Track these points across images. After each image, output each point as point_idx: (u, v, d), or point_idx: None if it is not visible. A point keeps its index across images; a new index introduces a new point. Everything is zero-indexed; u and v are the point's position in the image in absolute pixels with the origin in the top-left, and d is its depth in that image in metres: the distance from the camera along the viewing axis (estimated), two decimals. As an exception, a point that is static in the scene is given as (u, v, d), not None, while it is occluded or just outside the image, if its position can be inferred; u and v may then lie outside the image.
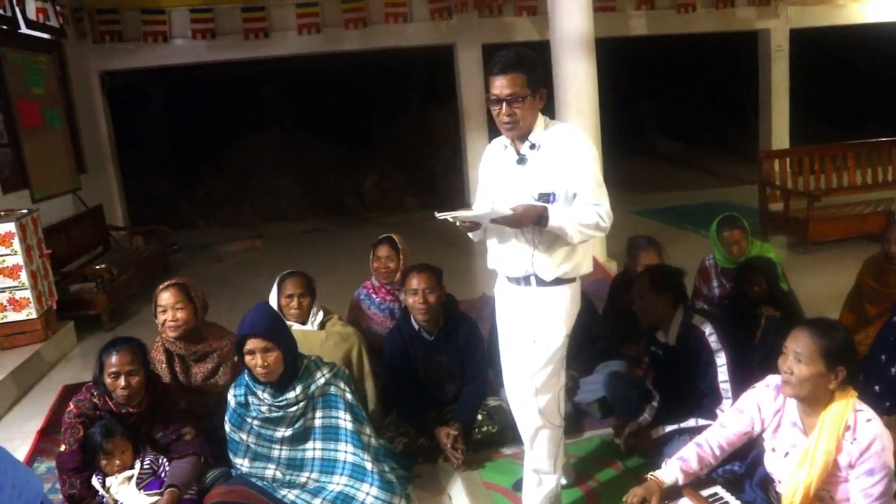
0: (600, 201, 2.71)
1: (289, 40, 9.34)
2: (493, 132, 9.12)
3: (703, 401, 3.10)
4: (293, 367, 3.06)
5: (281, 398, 3.04)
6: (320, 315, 3.84)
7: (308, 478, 3.12)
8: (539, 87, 2.72)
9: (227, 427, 3.14)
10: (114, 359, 3.04)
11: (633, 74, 13.25)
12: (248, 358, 2.99)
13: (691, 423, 3.17)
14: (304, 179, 12.68)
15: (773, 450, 2.58)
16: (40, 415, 4.67)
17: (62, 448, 3.15)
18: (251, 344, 2.95)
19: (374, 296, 4.24)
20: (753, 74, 11.48)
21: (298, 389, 3.05)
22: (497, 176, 2.92)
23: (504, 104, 2.69)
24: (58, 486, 3.20)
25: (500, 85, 2.68)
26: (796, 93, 11.20)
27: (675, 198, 10.76)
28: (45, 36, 7.66)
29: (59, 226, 6.97)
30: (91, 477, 3.09)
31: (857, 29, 11.19)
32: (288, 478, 3.11)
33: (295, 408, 3.05)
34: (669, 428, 3.19)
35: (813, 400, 2.41)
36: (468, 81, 10.16)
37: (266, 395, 3.04)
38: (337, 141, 13.54)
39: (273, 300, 3.81)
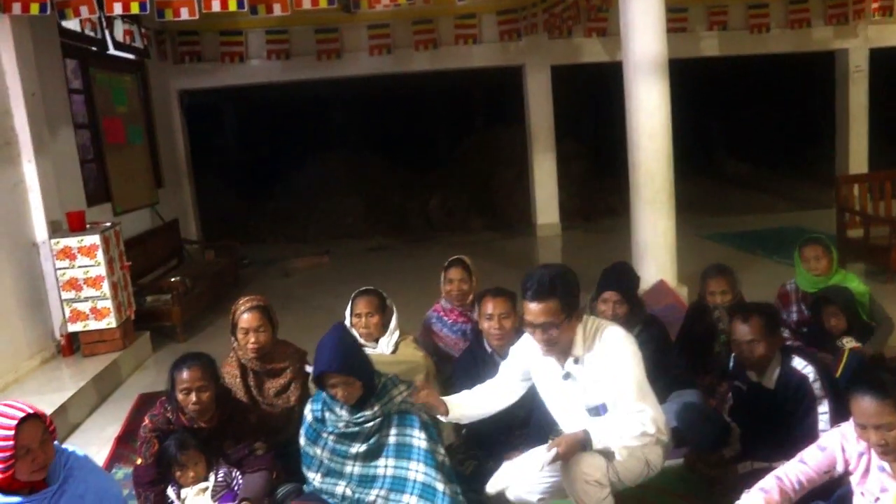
0: (643, 407, 2.70)
1: (360, 61, 9.53)
2: (561, 153, 9.04)
3: (798, 445, 2.94)
4: (371, 385, 3.09)
5: (358, 415, 3.06)
6: (395, 335, 3.87)
7: (377, 495, 3.12)
8: (574, 309, 2.74)
9: (302, 441, 3.17)
10: (184, 374, 3.10)
11: (704, 95, 13.01)
12: (329, 389, 3.02)
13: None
14: (369, 198, 12.84)
15: (863, 494, 2.47)
16: (117, 422, 4.82)
17: (138, 462, 3.24)
18: (332, 380, 2.98)
19: (445, 318, 4.25)
20: (829, 96, 11.14)
21: (376, 407, 3.07)
22: (543, 385, 2.99)
23: (539, 329, 2.72)
24: (134, 492, 3.28)
25: (535, 312, 2.71)
26: (876, 115, 10.81)
27: (746, 222, 10.48)
28: (130, 56, 7.99)
29: (136, 239, 7.23)
30: (165, 490, 3.17)
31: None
32: (357, 496, 3.12)
33: (371, 424, 3.07)
34: (758, 465, 3.07)
35: None
36: (536, 102, 10.18)
37: (343, 412, 3.07)
38: (403, 160, 13.69)
39: (348, 317, 3.87)
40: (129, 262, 6.06)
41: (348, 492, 3.13)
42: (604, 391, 2.77)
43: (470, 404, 3.10)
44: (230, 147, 14.77)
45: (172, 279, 6.92)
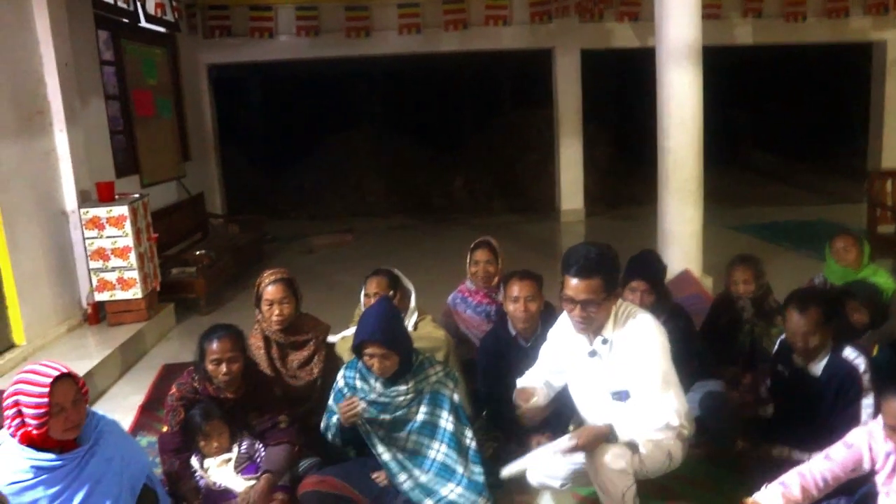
0: (667, 397, 2.71)
1: (389, 39, 9.49)
2: (587, 139, 8.95)
3: (836, 435, 2.90)
4: (408, 362, 3.10)
5: (392, 389, 3.08)
6: (415, 315, 3.89)
7: (395, 458, 3.14)
8: (614, 289, 2.75)
9: (332, 404, 3.19)
10: (215, 345, 3.14)
11: (734, 84, 12.83)
12: (366, 358, 3.04)
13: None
14: (393, 177, 12.85)
15: (888, 494, 2.45)
16: (141, 391, 4.90)
17: (164, 429, 3.29)
18: (371, 349, 2.99)
19: (469, 299, 4.25)
20: (864, 88, 10.93)
21: (410, 384, 3.09)
22: (568, 364, 2.97)
23: (579, 306, 2.71)
24: (158, 461, 3.34)
25: (577, 288, 2.70)
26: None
27: (775, 214, 10.35)
28: (161, 29, 8.03)
29: (163, 211, 7.30)
30: (190, 458, 3.22)
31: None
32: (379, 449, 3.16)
33: (402, 399, 3.09)
34: (798, 455, 3.04)
35: None
36: (565, 86, 10.10)
37: (378, 385, 3.10)
38: (428, 140, 13.66)
39: (362, 297, 3.90)
40: (155, 234, 6.12)
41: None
42: (628, 376, 2.76)
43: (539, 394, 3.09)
44: (257, 122, 14.82)
45: (197, 252, 6.99)
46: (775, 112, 14.50)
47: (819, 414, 3.05)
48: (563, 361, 3.01)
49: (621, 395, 2.78)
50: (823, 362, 3.12)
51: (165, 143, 8.16)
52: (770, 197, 11.84)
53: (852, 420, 2.93)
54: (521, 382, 3.14)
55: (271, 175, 13.17)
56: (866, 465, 2.50)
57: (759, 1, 9.87)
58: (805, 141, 14.15)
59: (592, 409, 2.93)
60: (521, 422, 3.13)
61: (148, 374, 5.23)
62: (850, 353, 3.10)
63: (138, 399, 4.76)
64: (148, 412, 4.53)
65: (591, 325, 2.78)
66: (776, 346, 3.47)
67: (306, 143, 13.54)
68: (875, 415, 2.87)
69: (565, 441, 2.69)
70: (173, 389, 3.27)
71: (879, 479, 2.48)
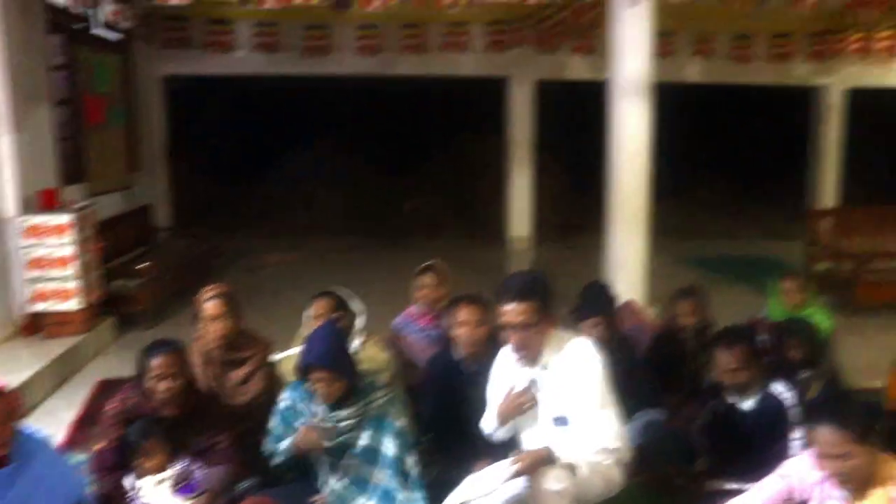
0: (604, 421, 2.79)
1: (347, 60, 9.51)
2: (538, 167, 9.05)
3: (768, 468, 2.98)
4: (352, 387, 3.08)
5: (334, 413, 3.05)
6: (360, 337, 3.87)
7: (338, 488, 3.12)
8: (548, 313, 2.84)
9: (273, 425, 3.15)
10: (156, 361, 3.07)
11: (685, 120, 13.17)
12: (312, 382, 3.00)
13: None
14: (347, 197, 12.81)
15: (819, 524, 2.53)
16: (76, 407, 4.75)
17: (99, 446, 3.19)
18: (317, 374, 2.96)
19: (415, 323, 4.25)
20: (805, 130, 11.36)
21: (353, 409, 3.06)
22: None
23: (515, 330, 2.80)
24: (90, 478, 3.23)
25: (511, 312, 2.79)
26: (849, 152, 11.05)
27: (718, 247, 10.63)
28: (117, 37, 7.90)
29: (108, 222, 7.13)
30: (123, 477, 3.12)
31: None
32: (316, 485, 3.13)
33: (346, 423, 3.06)
34: (729, 486, 3.11)
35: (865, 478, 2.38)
36: (518, 115, 10.26)
37: (320, 409, 3.06)
38: (382, 162, 13.66)
39: (305, 318, 3.88)
40: (99, 244, 5.97)
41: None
42: (567, 402, 2.80)
43: None
44: (211, 136, 14.58)
45: (142, 265, 6.84)
46: (723, 149, 14.90)
47: (752, 448, 3.13)
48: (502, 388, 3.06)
49: (562, 421, 2.81)
50: (754, 398, 3.22)
51: (115, 152, 8.01)
52: (715, 231, 12.13)
53: (783, 453, 3.03)
54: (485, 427, 3.17)
55: (224, 190, 12.98)
56: (797, 496, 2.57)
57: (709, 42, 10.20)
58: (750, 178, 14.56)
59: (535, 437, 2.96)
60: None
61: (84, 389, 5.07)
62: (779, 388, 3.21)
63: (71, 415, 4.61)
64: (82, 429, 4.39)
65: (529, 351, 2.85)
66: (708, 383, 3.56)
67: (261, 160, 13.40)
68: (805, 447, 2.97)
69: (506, 467, 2.71)
70: (111, 405, 3.19)
71: (812, 509, 2.56)
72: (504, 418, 3.01)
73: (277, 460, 3.18)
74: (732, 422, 3.31)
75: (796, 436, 3.10)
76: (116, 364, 5.53)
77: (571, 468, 2.75)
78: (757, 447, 3.14)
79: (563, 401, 2.84)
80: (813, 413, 3.01)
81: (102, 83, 7.67)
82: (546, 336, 2.86)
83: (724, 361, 3.24)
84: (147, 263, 6.88)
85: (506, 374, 3.06)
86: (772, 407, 3.16)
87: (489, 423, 3.11)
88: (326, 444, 3.06)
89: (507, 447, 3.33)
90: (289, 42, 9.32)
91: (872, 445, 2.35)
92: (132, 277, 6.64)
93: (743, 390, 3.26)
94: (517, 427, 3.09)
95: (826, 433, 2.37)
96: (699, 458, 3.48)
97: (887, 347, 4.41)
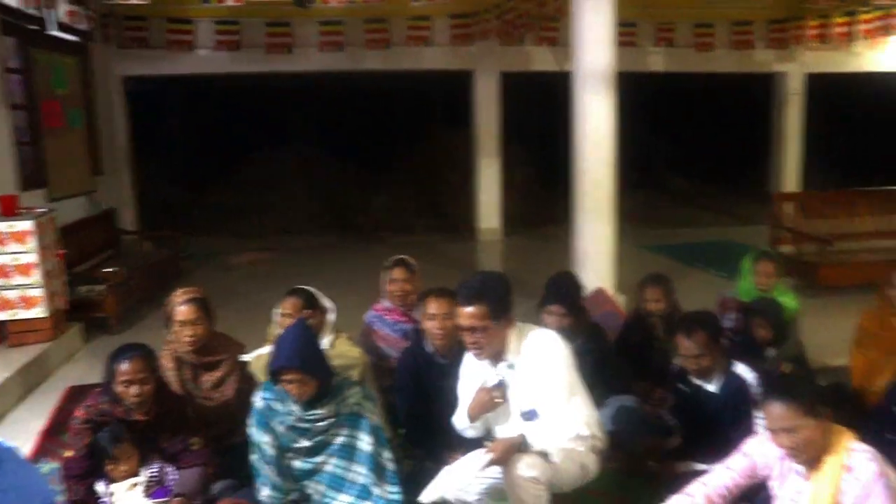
0: (574, 409, 2.86)
1: (311, 57, 9.44)
2: (506, 160, 9.09)
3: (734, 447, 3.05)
4: (326, 385, 3.07)
5: (310, 413, 3.04)
6: (331, 335, 3.86)
7: (314, 489, 3.13)
8: (503, 315, 2.88)
9: (251, 429, 3.10)
10: (125, 366, 3.04)
11: (650, 110, 13.33)
12: (284, 384, 2.98)
13: None
14: (316, 195, 12.75)
15: (781, 498, 2.59)
16: (44, 415, 4.67)
17: (68, 453, 3.15)
18: (289, 375, 2.94)
19: (387, 317, 4.25)
20: (767, 116, 11.56)
21: (329, 407, 3.06)
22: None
23: (469, 332, 2.86)
24: (62, 486, 3.19)
25: (463, 315, 2.86)
26: (810, 137, 11.26)
27: (685, 234, 10.77)
28: (74, 38, 7.76)
29: (71, 227, 7.00)
30: (95, 484, 3.09)
31: (872, 77, 11.28)
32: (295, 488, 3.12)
33: (323, 423, 3.06)
34: (700, 467, 3.17)
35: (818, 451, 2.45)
36: (484, 108, 10.28)
37: (295, 407, 3.05)
38: (350, 159, 13.63)
39: (275, 317, 3.87)
40: (63, 251, 5.87)
41: (287, 484, 3.10)
42: (535, 396, 2.83)
43: None
44: (176, 137, 14.43)
45: (108, 269, 6.74)
46: (688, 137, 15.09)
47: (719, 428, 3.20)
48: (471, 384, 3.10)
49: (530, 415, 2.84)
50: (720, 379, 3.29)
51: (76, 156, 7.86)
52: (681, 218, 12.30)
53: (748, 432, 3.09)
54: (457, 424, 3.20)
55: (190, 191, 12.84)
56: (761, 472, 2.64)
57: (671, 31, 10.32)
58: (714, 165, 14.78)
59: (506, 432, 2.99)
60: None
61: (52, 396, 4.99)
62: (741, 368, 3.28)
63: (40, 424, 4.53)
64: (51, 437, 4.32)
65: (486, 351, 2.90)
66: (676, 367, 3.62)
67: (227, 160, 13.28)
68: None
69: (480, 457, 2.73)
70: (79, 412, 3.15)
71: (775, 484, 2.62)
72: (474, 415, 3.04)
73: (463, 433, 3.23)
74: (699, 404, 3.38)
75: (760, 415, 3.16)
76: (85, 370, 5.46)
77: (544, 455, 2.78)
78: (723, 427, 3.21)
79: (531, 395, 2.87)
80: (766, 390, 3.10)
81: (60, 86, 7.53)
82: (506, 335, 2.91)
83: (686, 348, 3.31)
84: (113, 268, 6.78)
85: (474, 371, 3.08)
86: (735, 388, 3.24)
87: (460, 421, 3.12)
88: (305, 443, 3.05)
89: (480, 439, 3.36)
90: (251, 40, 9.24)
91: (822, 418, 2.41)
92: (98, 283, 6.53)
93: (706, 374, 3.33)
94: (488, 423, 3.11)
95: (775, 409, 2.43)
96: (669, 441, 3.54)
97: (850, 327, 4.50)
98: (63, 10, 7.18)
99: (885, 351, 4.10)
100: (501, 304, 2.87)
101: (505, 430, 3.02)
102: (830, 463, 2.42)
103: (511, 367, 2.90)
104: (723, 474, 2.67)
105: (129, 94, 9.51)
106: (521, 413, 2.91)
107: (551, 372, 2.84)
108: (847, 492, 2.38)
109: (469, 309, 2.83)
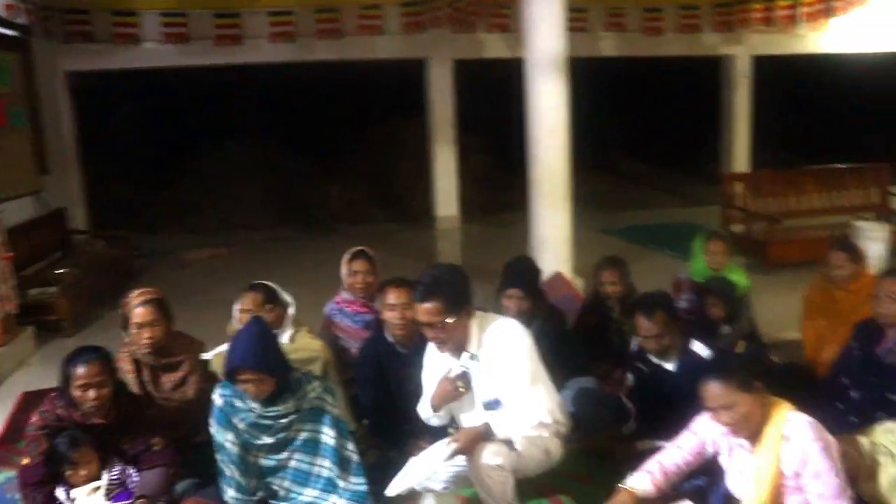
0: (536, 398, 2.88)
1: (261, 48, 9.30)
2: (462, 147, 9.07)
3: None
4: (285, 381, 3.05)
5: (271, 409, 3.02)
6: (291, 328, 3.85)
7: (279, 486, 3.12)
8: (461, 307, 2.88)
9: (213, 428, 3.07)
10: (81, 370, 2.98)
11: (602, 94, 13.47)
12: (241, 384, 2.95)
13: None
14: (271, 188, 12.60)
15: (730, 470, 2.67)
16: (-2, 422, 4.56)
17: (25, 461, 3.09)
18: (244, 375, 2.92)
19: (347, 309, 4.25)
20: (717, 98, 11.76)
21: (289, 403, 3.04)
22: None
23: (428, 328, 2.87)
24: (20, 494, 3.13)
25: (421, 311, 2.86)
26: (758, 118, 11.50)
27: (639, 217, 10.94)
28: (13, 34, 7.52)
29: (19, 228, 6.82)
30: (54, 490, 3.04)
31: (817, 58, 11.56)
32: (260, 485, 3.11)
33: (285, 420, 3.04)
34: (659, 444, 3.24)
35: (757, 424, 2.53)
36: (438, 96, 10.26)
37: (255, 405, 3.02)
38: (304, 151, 13.48)
39: (235, 312, 3.82)
40: (10, 253, 5.72)
41: (252, 482, 3.09)
42: (498, 385, 2.86)
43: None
44: (125, 134, 14.09)
45: (59, 271, 6.59)
46: (640, 121, 15.29)
47: (677, 405, 3.27)
48: (435, 376, 3.11)
49: (493, 405, 2.87)
50: (675, 358, 3.37)
51: (20, 155, 7.64)
52: (635, 200, 12.47)
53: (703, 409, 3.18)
54: (421, 414, 3.21)
55: (142, 188, 12.57)
56: (710, 449, 2.72)
57: (621, 16, 10.41)
58: (666, 147, 15.00)
59: (471, 421, 3.02)
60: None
61: (4, 404, 4.86)
62: (698, 346, 3.37)
63: (-5, 431, 4.43)
64: (6, 445, 4.21)
65: (448, 345, 2.91)
66: (633, 347, 3.69)
67: (179, 156, 13.01)
68: None
69: (445, 447, 2.75)
70: (34, 418, 3.09)
71: (723, 459, 2.71)
72: (438, 405, 3.06)
73: (427, 423, 3.23)
74: (657, 383, 3.45)
75: None
76: (39, 375, 5.32)
77: (508, 443, 2.82)
78: (681, 405, 3.28)
79: (493, 385, 2.90)
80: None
81: (0, 83, 7.31)
82: (467, 326, 2.92)
83: (647, 328, 3.38)
84: (65, 269, 6.64)
85: (437, 361, 3.10)
86: (693, 365, 3.31)
87: (424, 410, 3.15)
88: (267, 440, 3.04)
89: (445, 427, 3.39)
90: (199, 32, 9.05)
91: (756, 391, 2.50)
92: (50, 284, 6.39)
93: (666, 353, 3.40)
94: (452, 412, 3.14)
95: (711, 388, 2.52)
96: (629, 420, 3.61)
97: (800, 301, 4.64)
98: (1, 4, 6.96)
99: (831, 322, 4.24)
100: (458, 296, 2.88)
101: (469, 419, 3.05)
102: (770, 434, 2.51)
103: (473, 357, 2.92)
104: (674, 452, 2.75)
105: (75, 90, 9.25)
106: (483, 403, 2.93)
107: (513, 362, 2.86)
108: (787, 459, 2.47)
109: (426, 305, 2.83)
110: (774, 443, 2.49)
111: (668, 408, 3.33)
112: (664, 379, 3.43)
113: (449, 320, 2.83)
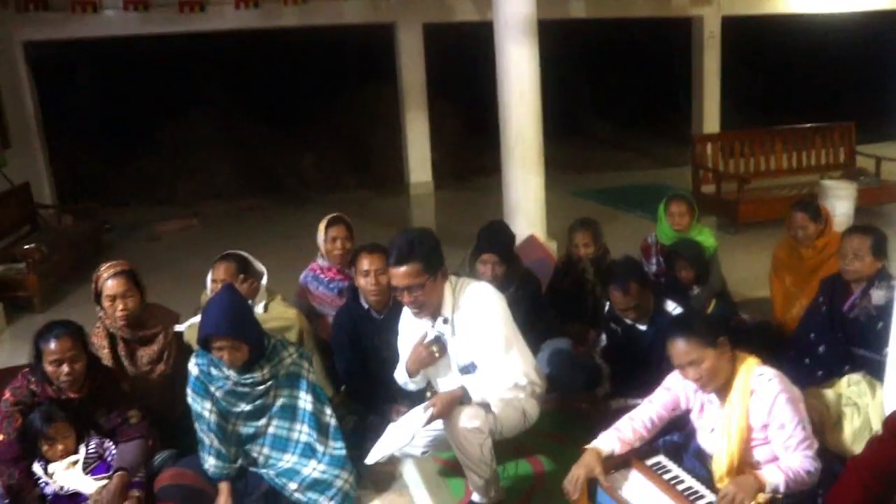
0: (511, 360, 2.88)
1: (225, 15, 9.10)
2: (434, 113, 8.99)
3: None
4: (259, 348, 3.04)
5: (247, 376, 3.01)
6: (265, 298, 3.83)
7: (259, 453, 3.13)
8: (437, 269, 2.86)
9: (190, 398, 3.06)
10: (53, 345, 2.95)
11: (572, 57, 13.44)
12: (215, 351, 2.94)
13: None
14: (240, 157, 12.43)
15: (702, 428, 2.74)
16: (-30, 400, 4.50)
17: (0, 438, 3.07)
18: (218, 343, 2.90)
19: (322, 276, 4.24)
20: (687, 60, 11.78)
21: (266, 370, 3.03)
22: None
23: (405, 292, 2.84)
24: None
25: (397, 275, 2.83)
26: (727, 79, 11.55)
27: (611, 179, 10.99)
28: (-36, 3, 7.29)
29: (-17, 204, 6.69)
30: (31, 466, 3.02)
31: (786, 18, 11.61)
32: (239, 452, 3.13)
33: (262, 387, 3.04)
34: (632, 402, 3.29)
35: (724, 378, 2.59)
36: (408, 61, 10.15)
37: (231, 372, 3.01)
38: (275, 119, 13.31)
39: (208, 283, 3.79)
40: (-25, 229, 5.62)
41: (232, 450, 3.10)
42: (473, 350, 2.88)
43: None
44: (88, 105, 13.79)
45: (27, 246, 6.47)
46: (610, 83, 15.29)
47: (650, 364, 3.34)
48: (409, 341, 3.13)
49: (468, 369, 2.90)
50: (648, 318, 3.43)
51: (-21, 129, 7.46)
52: (608, 163, 12.51)
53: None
54: (398, 378, 3.22)
55: (108, 161, 12.33)
56: (683, 405, 2.78)
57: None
58: (637, 109, 15.05)
59: (447, 385, 3.04)
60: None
61: (-24, 381, 4.82)
62: (670, 305, 3.42)
63: (-33, 409, 4.37)
64: (-20, 422, 4.18)
65: (426, 309, 2.91)
66: (606, 309, 3.74)
67: (145, 126, 12.76)
68: None
69: (422, 412, 2.77)
70: (7, 395, 3.05)
71: (694, 416, 2.77)
72: (413, 370, 3.08)
73: (404, 387, 3.22)
74: (631, 343, 3.51)
75: None
76: (10, 352, 5.27)
77: (485, 406, 2.85)
78: (654, 364, 3.34)
79: (469, 349, 2.92)
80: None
81: (-43, 55, 7.10)
82: (442, 290, 2.92)
83: (621, 302, 3.44)
84: (31, 245, 6.52)
85: (412, 326, 3.10)
86: (665, 325, 3.35)
87: (401, 375, 3.17)
88: (245, 407, 3.04)
89: (422, 391, 3.42)
90: (161, -1, 8.82)
91: (721, 346, 2.56)
92: (17, 261, 6.28)
93: (640, 317, 3.46)
94: (429, 377, 3.17)
95: (677, 345, 2.57)
96: (602, 381, 3.67)
97: (768, 260, 4.71)
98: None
99: (797, 280, 4.32)
100: (433, 259, 2.86)
101: (445, 383, 3.07)
102: (737, 388, 2.57)
103: (448, 321, 2.93)
104: (647, 408, 2.80)
105: (34, 60, 8.99)
106: (459, 367, 2.95)
107: (488, 326, 2.87)
108: (755, 412, 2.54)
109: (402, 268, 2.81)
110: (742, 396, 2.55)
111: (641, 367, 3.39)
112: (637, 339, 3.48)
113: (427, 282, 2.82)
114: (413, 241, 2.83)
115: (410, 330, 3.13)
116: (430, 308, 2.92)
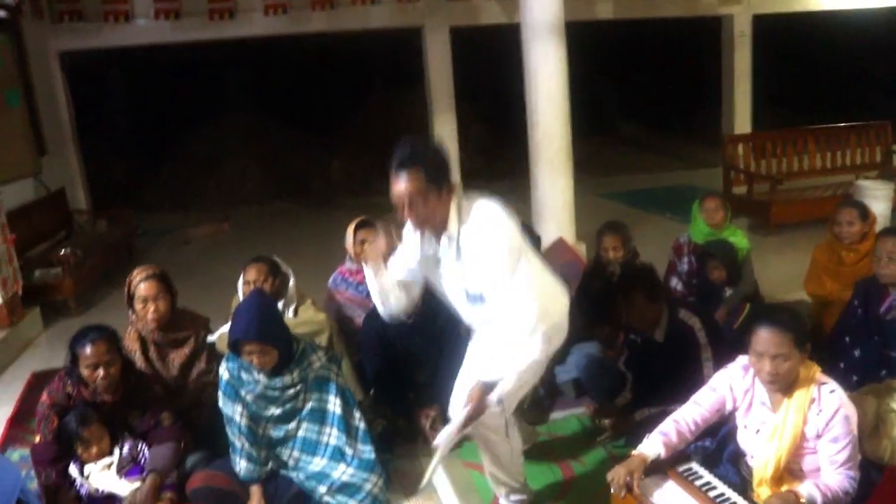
0: (520, 295, 2.49)
1: (255, 21, 9.19)
2: (461, 116, 8.96)
3: (685, 389, 3.00)
4: (288, 352, 3.05)
5: (277, 380, 3.03)
6: (294, 301, 3.86)
7: (290, 456, 3.16)
8: (443, 181, 2.52)
9: (221, 401, 3.09)
10: (89, 350, 3.00)
11: (600, 59, 13.35)
12: (244, 355, 2.96)
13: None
14: (270, 162, 12.56)
15: (745, 427, 2.69)
16: (9, 403, 4.60)
17: (37, 439, 3.12)
18: (248, 347, 2.92)
19: (351, 279, 4.25)
20: (716, 60, 11.64)
21: (294, 374, 3.05)
22: (426, 263, 2.74)
23: (408, 204, 2.50)
24: (32, 474, 3.17)
25: (399, 183, 2.49)
26: (759, 78, 11.39)
27: (640, 181, 10.91)
28: (2, 14, 7.45)
29: (20, 210, 6.83)
30: (67, 467, 3.07)
31: (818, 15, 11.41)
32: (270, 457, 3.15)
33: (291, 391, 3.06)
34: (655, 411, 3.27)
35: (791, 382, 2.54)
36: (436, 64, 10.14)
37: (260, 376, 3.03)
38: (303, 124, 13.42)
39: (240, 286, 3.83)
40: (13, 235, 5.72)
41: (262, 453, 3.12)
42: (480, 279, 2.58)
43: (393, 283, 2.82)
44: (121, 112, 14.05)
45: (63, 251, 6.60)
46: (639, 84, 15.18)
47: (668, 373, 3.31)
48: (416, 264, 2.77)
49: (476, 299, 2.64)
50: (664, 327, 3.40)
51: (16, 137, 7.60)
52: (637, 165, 12.42)
53: (695, 373, 3.22)
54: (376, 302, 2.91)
55: (140, 167, 12.55)
56: (729, 405, 2.73)
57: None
58: (666, 110, 14.91)
59: (458, 307, 2.80)
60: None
61: (15, 384, 4.91)
62: (684, 314, 3.39)
63: (6, 411, 4.46)
64: (18, 424, 4.26)
65: (428, 224, 2.58)
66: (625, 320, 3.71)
67: (176, 132, 12.97)
68: (716, 366, 3.09)
69: (461, 416, 2.64)
70: (44, 397, 3.11)
71: (739, 415, 2.72)
72: (374, 261, 2.75)
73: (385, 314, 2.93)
74: (649, 352, 3.48)
75: (706, 355, 3.29)
76: (47, 355, 5.38)
77: (500, 401, 2.69)
78: (672, 372, 3.31)
79: (475, 276, 2.60)
80: (757, 317, 3.18)
81: (-7, 65, 7.26)
82: (447, 207, 2.57)
83: (625, 313, 3.44)
84: (67, 249, 6.64)
85: (416, 243, 2.72)
86: (681, 333, 3.34)
87: (370, 283, 2.82)
88: (275, 411, 3.06)
89: (447, 392, 3.34)
90: (192, 6, 8.93)
91: (805, 353, 2.51)
92: (53, 265, 6.40)
93: (650, 329, 3.44)
94: (437, 288, 2.82)
95: (769, 333, 2.49)
96: (620, 398, 3.64)
97: (802, 262, 4.64)
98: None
99: (838, 283, 4.24)
100: (440, 169, 2.55)
101: (458, 306, 2.78)
102: (799, 394, 2.51)
103: (451, 239, 2.61)
104: (692, 409, 2.75)
105: (69, 69, 9.18)
106: (466, 294, 2.68)
107: (493, 245, 2.52)
108: (811, 422, 2.48)
109: (403, 174, 2.48)
110: (802, 404, 2.50)
111: (658, 376, 3.37)
112: (654, 349, 3.45)
113: (430, 193, 2.49)
114: (417, 146, 2.54)
115: (413, 243, 2.74)
116: (435, 224, 2.59)
